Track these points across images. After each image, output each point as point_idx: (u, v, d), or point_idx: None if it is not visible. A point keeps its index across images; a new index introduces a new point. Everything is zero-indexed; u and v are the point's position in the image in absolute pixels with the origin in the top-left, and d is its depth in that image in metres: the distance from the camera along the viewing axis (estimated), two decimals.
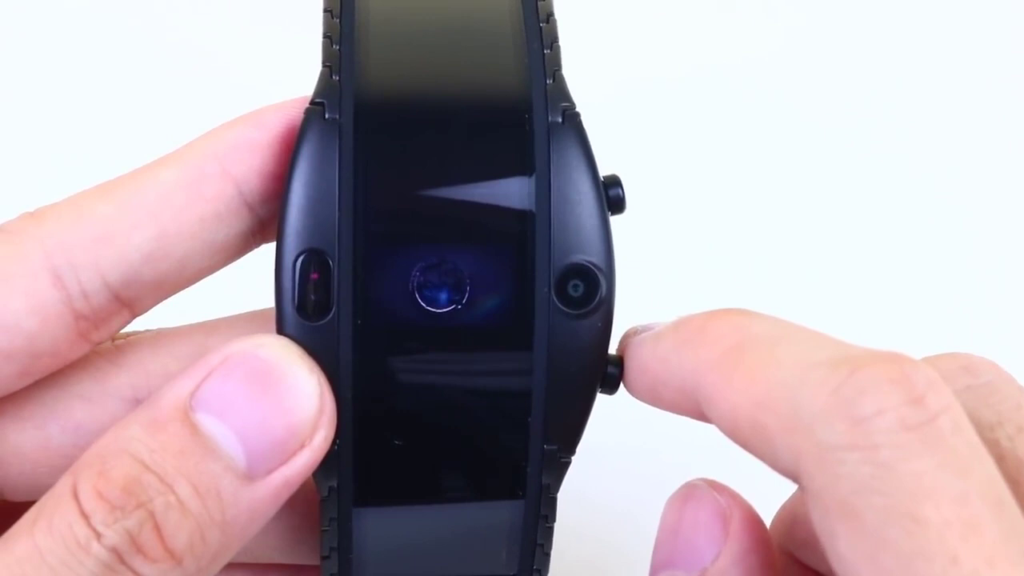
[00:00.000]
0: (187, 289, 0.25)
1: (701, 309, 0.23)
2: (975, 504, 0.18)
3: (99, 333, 0.24)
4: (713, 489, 0.23)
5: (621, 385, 0.24)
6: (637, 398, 0.24)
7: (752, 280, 0.45)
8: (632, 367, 0.24)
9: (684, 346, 0.22)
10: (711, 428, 0.22)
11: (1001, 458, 0.20)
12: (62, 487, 0.22)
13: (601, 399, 0.24)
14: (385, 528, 0.25)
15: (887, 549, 0.18)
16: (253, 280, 0.26)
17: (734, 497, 0.23)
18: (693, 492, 0.23)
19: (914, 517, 0.18)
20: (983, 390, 0.22)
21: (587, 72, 0.29)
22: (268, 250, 0.24)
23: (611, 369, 0.24)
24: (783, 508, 0.26)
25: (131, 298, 0.24)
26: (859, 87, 0.49)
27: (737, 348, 0.21)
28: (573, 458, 0.24)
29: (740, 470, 0.24)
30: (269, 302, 0.24)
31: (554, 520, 0.25)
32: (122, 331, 0.26)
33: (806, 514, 0.24)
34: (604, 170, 0.24)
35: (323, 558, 0.25)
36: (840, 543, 0.19)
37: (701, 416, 0.22)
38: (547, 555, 0.25)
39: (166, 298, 0.25)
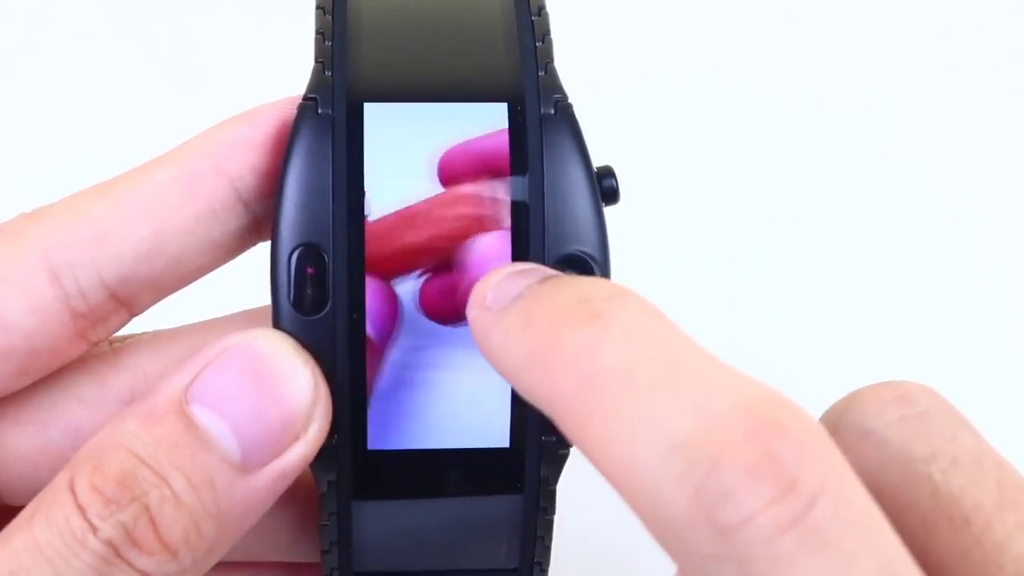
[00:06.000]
0: (184, 289, 0.25)
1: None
2: None
3: (97, 332, 0.25)
4: None
5: None
6: None
7: (747, 268, 0.45)
8: (479, 343, 0.21)
9: (531, 362, 0.19)
10: None
11: (935, 494, 0.19)
12: (60, 481, 0.22)
13: None
14: (385, 522, 0.25)
15: None
16: (250, 280, 0.26)
17: None
18: None
19: None
20: (916, 421, 0.20)
21: (581, 66, 0.29)
22: (264, 250, 0.24)
23: None
24: None
25: (129, 297, 0.24)
26: (860, 89, 0.49)
27: (588, 391, 0.18)
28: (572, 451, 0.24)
29: None
30: (266, 301, 0.24)
31: (553, 512, 0.25)
32: (120, 334, 0.26)
33: None
34: (598, 161, 0.24)
35: (323, 552, 0.25)
36: None
37: None
38: (547, 547, 0.25)
39: (164, 297, 0.25)
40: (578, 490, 0.26)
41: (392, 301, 0.23)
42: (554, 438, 0.24)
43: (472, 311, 0.21)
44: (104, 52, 0.46)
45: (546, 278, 0.20)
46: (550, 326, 0.19)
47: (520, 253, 0.23)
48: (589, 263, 0.24)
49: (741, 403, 0.17)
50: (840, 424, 0.21)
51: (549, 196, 0.23)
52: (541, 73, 0.24)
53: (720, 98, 0.49)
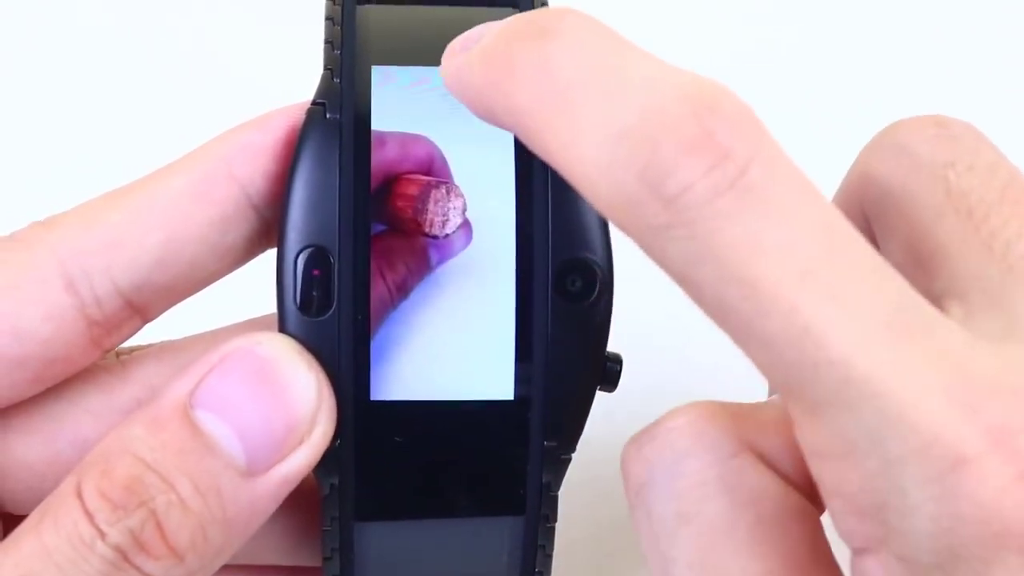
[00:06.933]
0: (194, 300, 0.25)
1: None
2: (803, 246, 0.18)
3: (111, 339, 0.25)
4: None
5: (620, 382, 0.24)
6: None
7: None
8: (449, 85, 0.22)
9: (491, 87, 0.20)
10: None
11: (948, 191, 0.21)
12: (67, 486, 0.22)
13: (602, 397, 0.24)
14: (387, 531, 0.25)
15: (729, 313, 0.18)
16: (258, 291, 0.26)
17: None
18: None
19: (745, 280, 0.18)
20: (947, 139, 0.22)
21: None
22: (272, 260, 0.24)
23: (610, 365, 0.24)
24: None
25: (143, 303, 0.25)
26: (861, 89, 0.49)
27: (542, 101, 0.20)
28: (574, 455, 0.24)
29: None
30: (273, 309, 0.24)
31: (555, 520, 0.25)
32: (128, 345, 0.26)
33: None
34: None
35: (325, 559, 0.25)
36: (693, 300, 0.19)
37: None
38: (549, 556, 0.25)
39: (176, 303, 0.25)
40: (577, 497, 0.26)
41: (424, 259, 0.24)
42: (555, 443, 0.24)
43: (443, 60, 0.22)
44: (115, 59, 0.46)
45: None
46: (504, 50, 0.20)
47: (525, 257, 0.24)
48: (593, 268, 0.24)
49: (680, 92, 0.18)
50: (882, 141, 0.23)
51: (554, 202, 0.24)
52: None
53: None
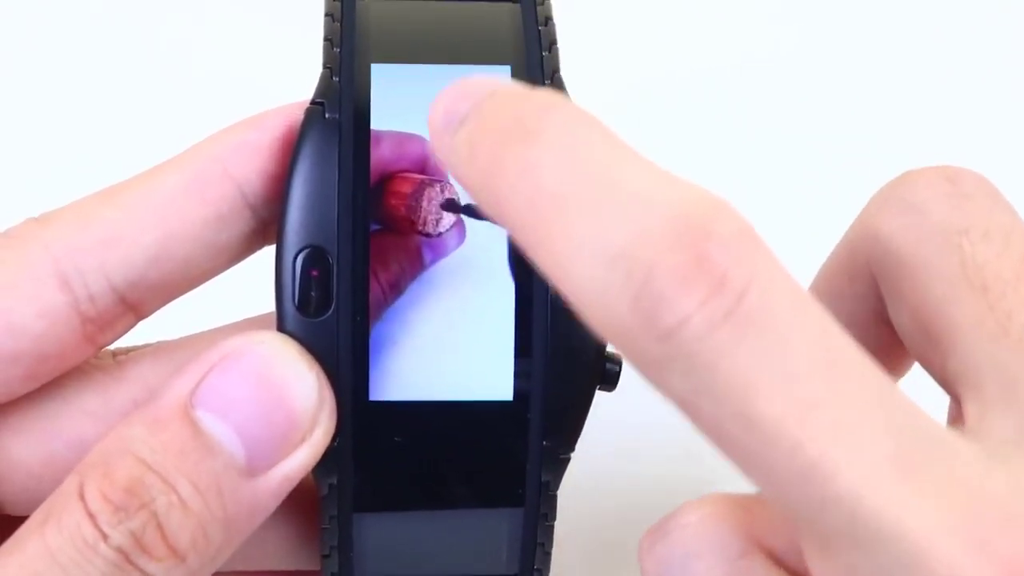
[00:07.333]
0: (190, 299, 0.25)
1: None
2: (805, 378, 0.17)
3: (105, 336, 0.25)
4: None
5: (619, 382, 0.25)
6: None
7: None
8: (446, 168, 0.21)
9: (481, 187, 0.19)
10: None
11: (962, 263, 0.21)
12: (69, 486, 0.22)
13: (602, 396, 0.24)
14: (386, 527, 0.25)
15: (732, 445, 0.18)
16: (255, 289, 0.26)
17: None
18: None
19: (748, 416, 0.17)
20: (959, 198, 0.21)
21: (588, 75, 0.29)
22: (269, 257, 0.24)
23: (610, 365, 0.24)
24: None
25: (136, 301, 0.25)
26: (861, 90, 0.49)
27: (532, 214, 0.18)
28: (573, 455, 0.24)
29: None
30: (270, 307, 0.24)
31: (554, 519, 0.25)
32: (124, 344, 0.26)
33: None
34: None
35: (323, 557, 0.25)
36: (694, 426, 0.18)
37: None
38: (548, 554, 0.25)
39: (171, 300, 0.25)
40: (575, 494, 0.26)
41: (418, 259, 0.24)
42: (554, 443, 0.24)
43: (429, 131, 0.21)
44: (112, 57, 0.46)
45: (488, 95, 0.20)
46: (490, 152, 0.19)
47: (523, 256, 0.24)
48: None
49: (672, 211, 0.18)
50: (890, 196, 0.22)
51: None
52: (547, 82, 0.24)
53: (725, 103, 0.49)
